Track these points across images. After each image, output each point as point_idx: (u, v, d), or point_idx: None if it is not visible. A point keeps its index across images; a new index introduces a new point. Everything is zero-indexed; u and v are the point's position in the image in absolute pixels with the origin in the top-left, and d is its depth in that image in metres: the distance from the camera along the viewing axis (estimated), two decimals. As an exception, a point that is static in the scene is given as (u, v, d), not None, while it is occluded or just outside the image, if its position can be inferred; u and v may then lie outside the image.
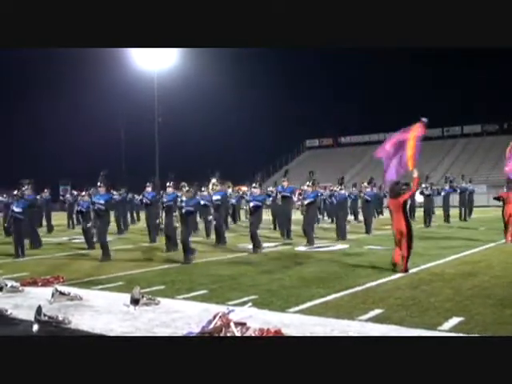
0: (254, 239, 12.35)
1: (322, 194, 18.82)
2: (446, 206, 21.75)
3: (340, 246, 13.39)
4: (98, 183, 12.23)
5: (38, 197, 18.41)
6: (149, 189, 15.60)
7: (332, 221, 18.81)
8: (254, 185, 13.22)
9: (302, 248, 13.14)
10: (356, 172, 52.92)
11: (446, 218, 21.48)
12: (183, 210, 11.17)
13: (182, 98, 55.48)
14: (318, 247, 13.18)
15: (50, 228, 20.91)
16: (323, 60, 64.05)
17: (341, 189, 16.79)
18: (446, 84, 59.83)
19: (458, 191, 22.70)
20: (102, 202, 11.71)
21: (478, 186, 36.84)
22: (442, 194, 22.09)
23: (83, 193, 15.61)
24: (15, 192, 13.46)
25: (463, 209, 22.65)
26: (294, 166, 59.38)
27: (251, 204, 12.53)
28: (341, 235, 15.08)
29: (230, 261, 11.16)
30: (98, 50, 45.89)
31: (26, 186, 14.02)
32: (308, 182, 14.30)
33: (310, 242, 13.64)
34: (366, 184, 18.13)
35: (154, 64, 48.01)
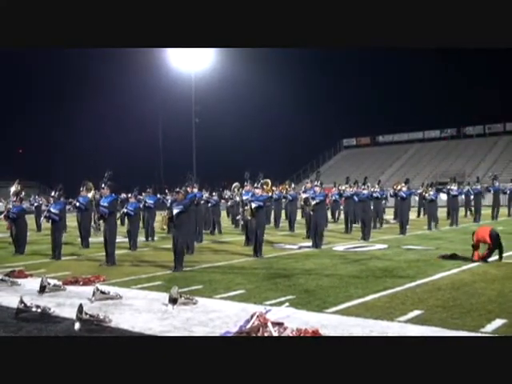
0: (260, 245, 11.81)
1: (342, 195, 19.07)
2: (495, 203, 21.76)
3: (378, 246, 13.22)
4: (102, 185, 11.71)
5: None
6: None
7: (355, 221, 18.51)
8: (255, 185, 12.68)
9: (339, 248, 13.04)
10: (393, 171, 52.19)
11: (495, 215, 21.24)
12: (253, 205, 11.83)
13: (219, 99, 55.80)
14: (356, 247, 13.06)
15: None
16: (361, 60, 63.33)
17: (364, 188, 16.77)
18: (488, 80, 58.26)
19: (492, 191, 22.49)
20: (106, 204, 11.27)
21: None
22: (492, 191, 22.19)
23: (130, 195, 15.78)
24: (52, 193, 13.55)
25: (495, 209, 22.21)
26: (331, 165, 58.99)
27: (253, 205, 11.85)
28: (365, 235, 14.99)
29: (265, 261, 11.16)
30: (135, 51, 46.62)
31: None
32: (316, 182, 14.09)
33: (318, 245, 13.09)
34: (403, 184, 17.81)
35: (191, 64, 48.46)
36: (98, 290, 7.26)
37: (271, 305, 6.48)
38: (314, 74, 64.68)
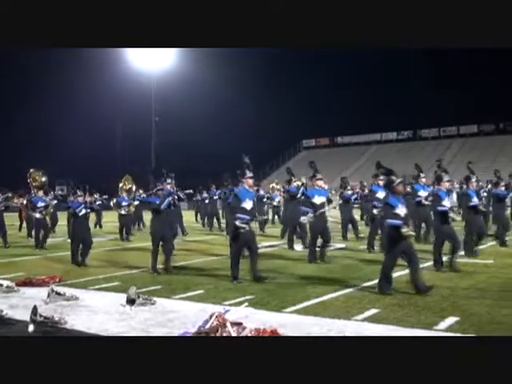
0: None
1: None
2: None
3: (337, 245, 13.32)
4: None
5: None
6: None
7: None
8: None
9: (298, 248, 13.11)
10: (352, 172, 52.95)
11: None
12: None
13: (180, 98, 55.40)
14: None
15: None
16: (320, 59, 63.93)
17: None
18: (443, 84, 59.91)
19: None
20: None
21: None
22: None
23: None
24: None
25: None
26: (290, 166, 59.22)
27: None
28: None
29: (225, 261, 11.13)
30: (94, 50, 45.76)
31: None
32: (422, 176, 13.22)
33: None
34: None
35: (152, 64, 48.03)
36: (53, 291, 7.09)
37: (230, 305, 6.47)
38: (274, 75, 65.07)
